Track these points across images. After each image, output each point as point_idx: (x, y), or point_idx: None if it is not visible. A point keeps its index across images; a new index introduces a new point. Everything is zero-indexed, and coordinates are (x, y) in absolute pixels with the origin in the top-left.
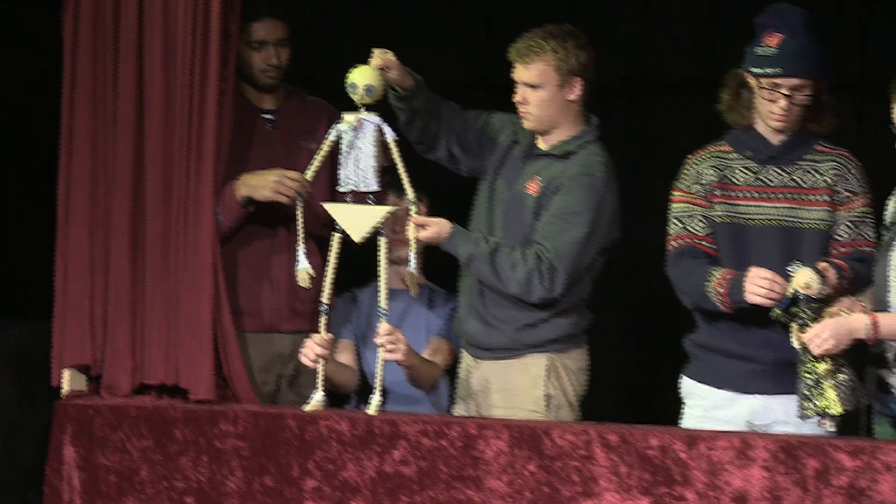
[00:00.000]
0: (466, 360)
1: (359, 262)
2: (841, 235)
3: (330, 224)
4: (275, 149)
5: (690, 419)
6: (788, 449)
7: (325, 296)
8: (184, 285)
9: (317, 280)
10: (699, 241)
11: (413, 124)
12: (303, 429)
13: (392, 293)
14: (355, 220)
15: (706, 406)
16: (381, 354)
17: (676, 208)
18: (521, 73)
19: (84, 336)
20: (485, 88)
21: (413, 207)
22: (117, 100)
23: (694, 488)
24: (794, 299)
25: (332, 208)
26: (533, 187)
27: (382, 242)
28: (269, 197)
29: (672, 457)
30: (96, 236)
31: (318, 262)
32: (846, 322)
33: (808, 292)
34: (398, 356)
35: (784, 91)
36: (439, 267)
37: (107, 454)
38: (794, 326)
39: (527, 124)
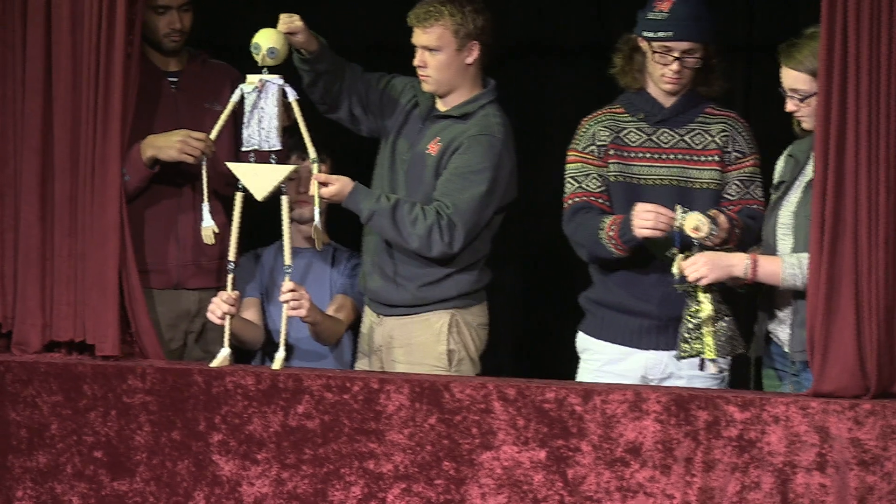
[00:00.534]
0: (369, 316)
1: (262, 221)
2: (731, 194)
3: (234, 183)
4: (179, 110)
5: (586, 373)
6: (680, 402)
7: (231, 254)
8: (91, 243)
9: (221, 238)
10: (594, 198)
11: (316, 86)
12: (209, 384)
13: (295, 251)
14: (258, 179)
15: (601, 361)
16: (286, 311)
17: (571, 168)
18: (419, 37)
19: None
20: (386, 52)
21: (315, 166)
22: (26, 62)
23: (589, 440)
24: (688, 245)
25: (236, 167)
26: (433, 148)
27: (284, 201)
28: (175, 157)
29: (568, 410)
30: (6, 196)
31: (223, 220)
32: (726, 256)
33: (699, 235)
34: (302, 312)
35: (675, 54)
36: (342, 226)
37: (17, 409)
38: (680, 256)
39: (426, 87)
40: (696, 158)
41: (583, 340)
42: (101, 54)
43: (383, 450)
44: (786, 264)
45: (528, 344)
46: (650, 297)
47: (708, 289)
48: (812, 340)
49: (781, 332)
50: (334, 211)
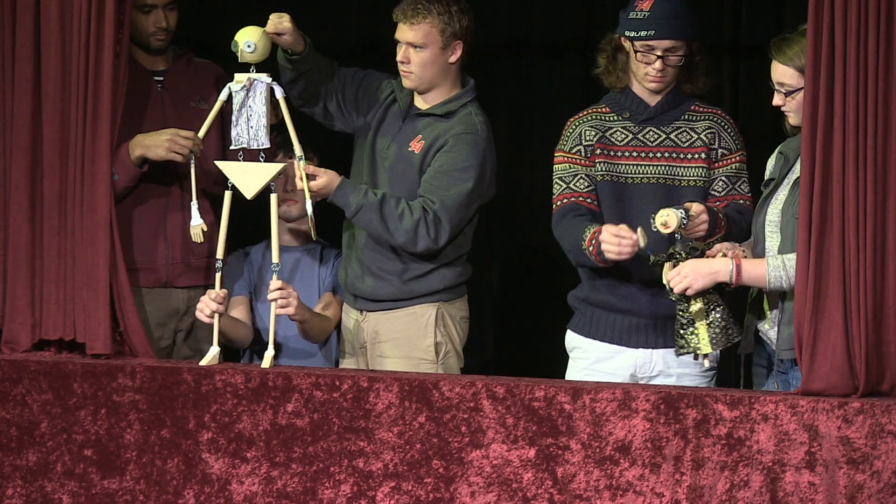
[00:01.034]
0: (352, 314)
1: (250, 219)
2: (717, 191)
3: (222, 182)
4: (165, 109)
5: (575, 372)
6: (669, 400)
7: (220, 252)
8: (80, 242)
9: (210, 236)
10: (582, 199)
11: (297, 83)
12: (199, 383)
13: (282, 249)
14: (247, 178)
15: (590, 359)
16: (274, 309)
17: (559, 169)
18: (405, 33)
19: None
20: (368, 50)
21: (301, 163)
22: (16, 61)
23: (578, 439)
24: (670, 241)
25: (225, 166)
26: (416, 146)
27: (273, 199)
28: (163, 156)
29: (557, 408)
30: None
31: (212, 218)
32: (709, 263)
33: (670, 230)
34: (290, 311)
35: (658, 53)
36: (329, 225)
37: (7, 408)
38: (667, 266)
39: (407, 83)
40: (682, 156)
41: (572, 339)
42: (90, 54)
43: (373, 448)
44: (770, 267)
45: (514, 342)
46: (639, 295)
47: None
48: (800, 339)
49: (770, 330)
50: (321, 209)
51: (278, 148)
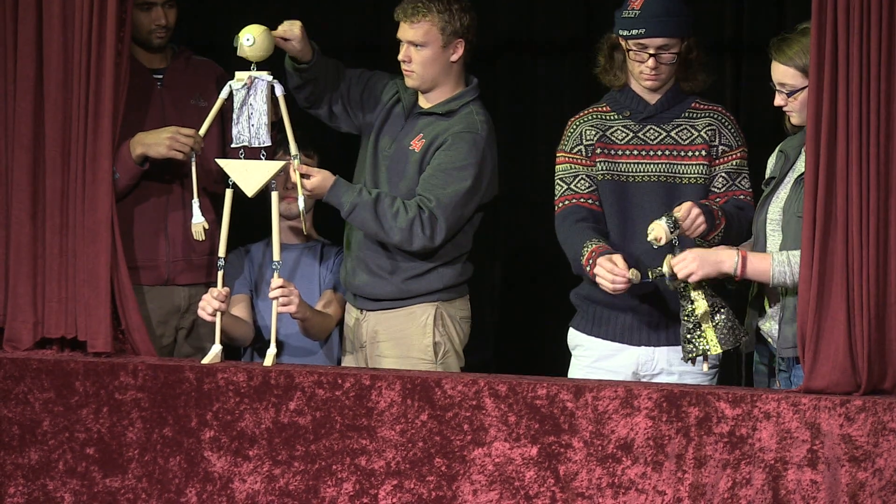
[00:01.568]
0: (352, 313)
1: (251, 218)
2: (718, 187)
3: (223, 180)
4: (165, 107)
5: (578, 369)
6: (671, 398)
7: (221, 250)
8: (82, 240)
9: (211, 234)
10: (584, 200)
11: (303, 89)
12: (201, 381)
13: (283, 247)
14: (248, 176)
15: (593, 357)
16: (275, 307)
17: (560, 170)
18: (406, 31)
19: None
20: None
21: (296, 161)
22: (18, 59)
23: (581, 437)
24: (671, 250)
25: (226, 164)
26: (416, 144)
27: (275, 197)
28: (164, 154)
29: (559, 406)
30: None
31: (212, 216)
32: (714, 252)
33: (662, 241)
34: (291, 309)
35: (650, 51)
36: (330, 223)
37: (9, 406)
38: (668, 257)
39: (409, 82)
40: (682, 154)
41: (574, 336)
42: (91, 52)
43: (375, 446)
44: (775, 262)
45: (516, 340)
46: (641, 293)
47: (699, 285)
48: (803, 337)
49: (771, 328)
50: (322, 207)
51: (279, 146)
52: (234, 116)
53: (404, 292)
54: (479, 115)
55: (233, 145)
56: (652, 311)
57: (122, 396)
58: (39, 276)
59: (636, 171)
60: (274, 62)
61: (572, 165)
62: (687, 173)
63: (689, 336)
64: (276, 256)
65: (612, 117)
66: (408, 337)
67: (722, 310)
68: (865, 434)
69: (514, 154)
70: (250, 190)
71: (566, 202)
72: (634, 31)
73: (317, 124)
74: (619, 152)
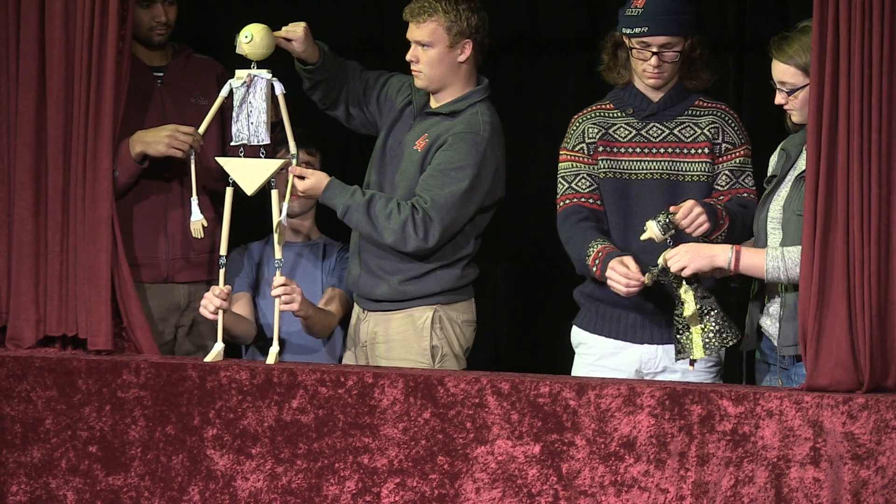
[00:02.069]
0: (356, 311)
1: (252, 216)
2: (721, 185)
3: (222, 178)
4: (165, 105)
5: (581, 367)
6: (674, 396)
7: (223, 248)
8: (82, 238)
9: (210, 231)
10: (584, 199)
11: (315, 90)
12: (203, 379)
13: (284, 245)
14: (247, 174)
15: (596, 355)
16: (278, 305)
17: (563, 168)
18: (413, 32)
19: None
20: (376, 48)
21: (294, 161)
22: (20, 58)
23: (583, 435)
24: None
25: (225, 162)
26: (420, 144)
27: (274, 195)
28: (164, 152)
29: (562, 404)
30: (0, 191)
31: (212, 214)
32: (709, 247)
33: (660, 237)
34: (294, 307)
35: (653, 49)
36: (333, 220)
37: (12, 404)
38: (664, 254)
39: (418, 82)
40: (685, 151)
41: (577, 334)
42: (93, 50)
43: (377, 444)
44: (769, 257)
45: (519, 338)
46: (644, 291)
47: (691, 283)
48: (805, 334)
49: (771, 326)
50: (325, 206)
51: (280, 144)
52: (234, 114)
53: (401, 294)
54: (484, 116)
55: (232, 143)
56: (655, 309)
57: (124, 394)
58: (42, 274)
59: (639, 169)
60: (276, 61)
61: (574, 164)
62: (689, 171)
63: (678, 336)
64: (277, 255)
65: (615, 115)
66: (406, 339)
67: (712, 312)
68: (868, 432)
69: (517, 152)
70: (249, 188)
71: (567, 202)
72: (637, 29)
73: (319, 123)
74: (622, 150)
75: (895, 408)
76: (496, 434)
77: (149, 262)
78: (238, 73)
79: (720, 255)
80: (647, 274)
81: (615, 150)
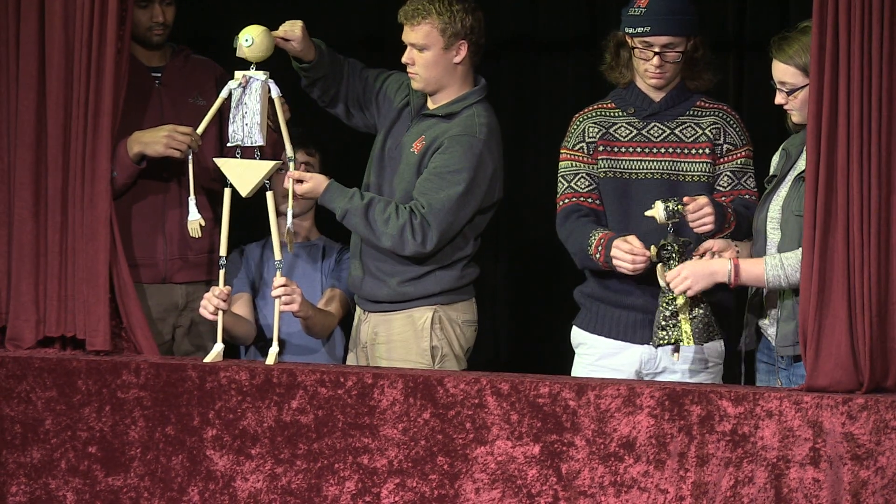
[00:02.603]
0: (358, 312)
1: (252, 216)
2: (723, 186)
3: (220, 178)
4: (163, 106)
5: (581, 368)
6: (674, 396)
7: (222, 249)
8: (81, 238)
9: (208, 232)
10: (584, 199)
11: (313, 88)
12: (203, 379)
13: (284, 246)
14: (243, 175)
15: (596, 355)
16: (278, 306)
17: (563, 167)
18: (408, 34)
19: None
20: (376, 47)
21: (291, 164)
22: (20, 58)
23: (583, 435)
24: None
25: (222, 163)
26: (417, 146)
27: (270, 196)
28: (162, 152)
29: (561, 405)
30: (0, 191)
31: (210, 214)
32: (707, 264)
33: (663, 221)
34: (294, 307)
35: (655, 49)
36: (334, 220)
37: (11, 405)
38: (659, 267)
39: (414, 84)
40: (686, 151)
41: (577, 335)
42: (92, 50)
43: (377, 445)
44: (768, 266)
45: (519, 338)
46: (644, 291)
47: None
48: (804, 335)
49: (770, 327)
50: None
51: (281, 147)
52: (231, 116)
53: (400, 295)
54: (481, 118)
55: (228, 144)
56: (655, 309)
57: (124, 395)
58: (41, 275)
59: (639, 169)
60: (274, 63)
61: (574, 163)
62: (690, 171)
63: (663, 323)
64: (276, 255)
65: (616, 114)
66: (405, 340)
67: (702, 304)
68: (868, 432)
69: (517, 153)
70: (244, 189)
71: (567, 200)
72: (640, 29)
73: (318, 122)
74: (622, 149)
75: (895, 408)
76: (496, 434)
77: (147, 263)
78: (236, 74)
79: (719, 270)
80: (651, 246)
81: (615, 149)
